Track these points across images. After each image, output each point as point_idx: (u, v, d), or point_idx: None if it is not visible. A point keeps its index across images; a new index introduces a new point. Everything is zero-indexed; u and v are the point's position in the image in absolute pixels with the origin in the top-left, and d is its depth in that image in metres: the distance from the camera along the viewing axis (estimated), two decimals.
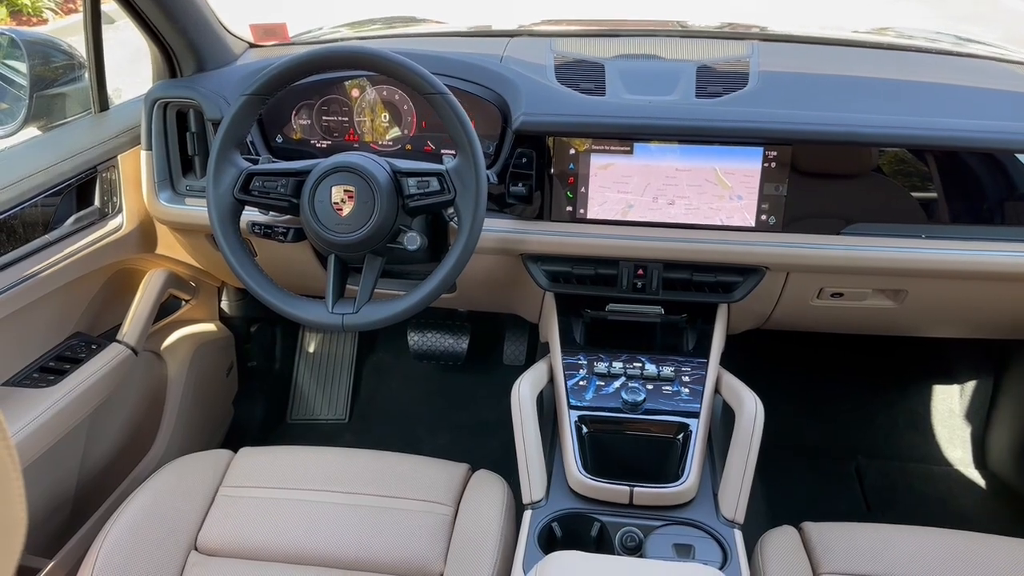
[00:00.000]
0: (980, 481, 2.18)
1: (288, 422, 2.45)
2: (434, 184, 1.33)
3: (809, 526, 1.32)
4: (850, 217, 1.47)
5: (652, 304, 1.61)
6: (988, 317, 1.69)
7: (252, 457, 1.47)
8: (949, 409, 2.32)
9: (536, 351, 2.42)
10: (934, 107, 1.46)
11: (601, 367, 1.52)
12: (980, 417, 2.27)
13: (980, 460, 2.23)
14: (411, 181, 1.34)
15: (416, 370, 2.53)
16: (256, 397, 2.34)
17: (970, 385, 2.31)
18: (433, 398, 2.48)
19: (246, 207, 1.39)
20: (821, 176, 1.46)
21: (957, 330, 1.84)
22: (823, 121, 1.41)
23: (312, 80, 1.56)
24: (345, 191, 1.32)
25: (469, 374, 2.49)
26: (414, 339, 2.39)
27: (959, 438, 2.27)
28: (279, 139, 1.61)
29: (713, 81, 1.52)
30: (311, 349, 2.55)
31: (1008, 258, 1.45)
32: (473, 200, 1.30)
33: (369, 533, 1.30)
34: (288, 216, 1.46)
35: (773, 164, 1.44)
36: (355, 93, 1.58)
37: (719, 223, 1.49)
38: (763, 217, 1.47)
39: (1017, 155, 1.43)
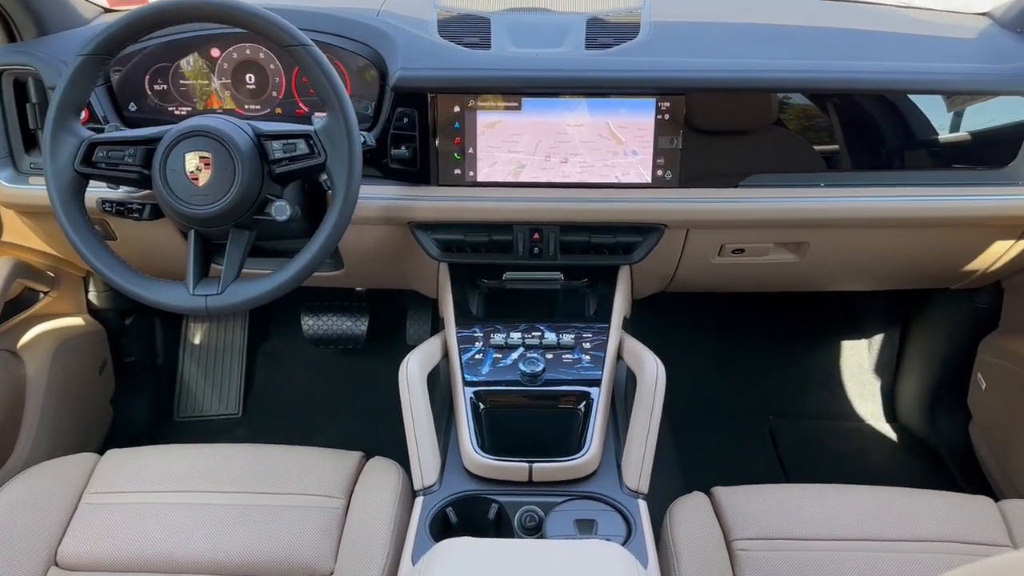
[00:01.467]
0: (891, 435, 2.20)
1: (176, 420, 2.28)
2: (302, 147, 1.21)
3: (720, 491, 1.27)
4: (748, 170, 1.42)
5: (551, 270, 1.53)
6: (891, 268, 1.67)
7: (120, 459, 1.33)
8: (859, 364, 2.33)
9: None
10: (829, 52, 1.43)
11: (498, 339, 1.43)
12: (889, 371, 2.29)
13: (891, 414, 2.25)
14: (276, 144, 1.21)
15: (313, 356, 2.39)
16: (137, 395, 2.17)
17: (878, 339, 2.32)
18: (332, 385, 2.36)
19: (92, 182, 1.24)
20: (717, 129, 1.41)
21: (862, 282, 1.83)
22: (715, 68, 1.36)
23: (166, 40, 1.42)
24: (200, 158, 1.19)
25: (370, 357, 2.37)
26: (308, 323, 2.26)
27: (869, 393, 2.29)
28: (132, 107, 1.46)
29: (603, 33, 1.45)
30: (196, 340, 2.39)
31: (907, 203, 1.43)
32: (346, 163, 1.19)
33: (251, 535, 1.19)
34: (144, 191, 1.32)
35: (666, 116, 1.37)
36: (215, 53, 1.44)
37: (614, 181, 1.41)
38: (659, 172, 1.41)
39: (914, 99, 1.40)
